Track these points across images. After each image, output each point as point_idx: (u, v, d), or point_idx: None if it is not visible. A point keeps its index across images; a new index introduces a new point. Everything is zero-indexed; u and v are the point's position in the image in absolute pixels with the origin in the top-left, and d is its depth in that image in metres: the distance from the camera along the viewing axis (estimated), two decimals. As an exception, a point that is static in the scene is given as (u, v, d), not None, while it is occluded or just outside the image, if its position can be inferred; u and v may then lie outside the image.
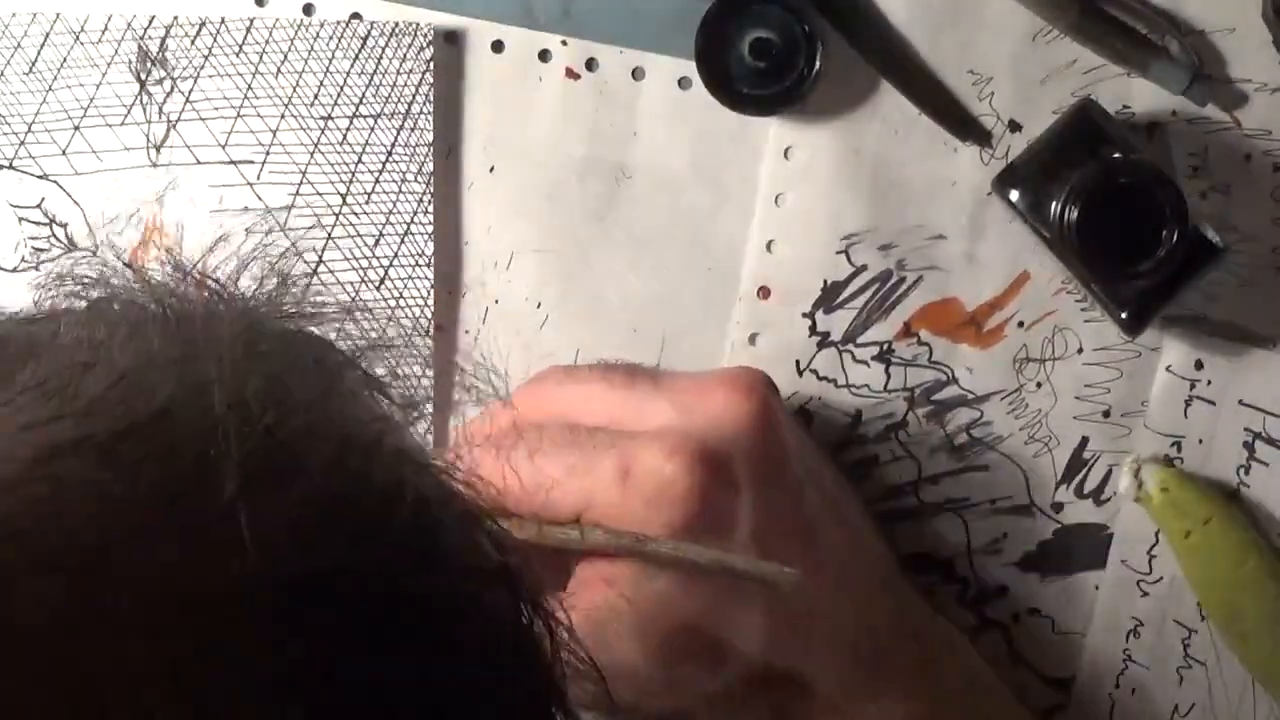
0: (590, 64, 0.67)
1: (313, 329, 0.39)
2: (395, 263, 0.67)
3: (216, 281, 0.39)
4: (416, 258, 0.67)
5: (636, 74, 0.67)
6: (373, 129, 0.66)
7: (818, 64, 0.66)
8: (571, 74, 0.67)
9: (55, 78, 0.66)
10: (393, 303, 0.67)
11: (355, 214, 0.67)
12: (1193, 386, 0.67)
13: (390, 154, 0.66)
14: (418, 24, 0.66)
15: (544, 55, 0.67)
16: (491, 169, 0.67)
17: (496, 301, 0.67)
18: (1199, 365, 0.67)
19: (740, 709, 0.60)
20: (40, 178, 0.66)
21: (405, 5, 0.66)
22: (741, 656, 0.58)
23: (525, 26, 0.67)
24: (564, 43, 0.67)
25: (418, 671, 0.34)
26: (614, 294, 0.67)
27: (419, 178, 0.66)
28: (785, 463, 0.60)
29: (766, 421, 0.60)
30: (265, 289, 0.39)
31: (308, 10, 0.66)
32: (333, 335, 0.40)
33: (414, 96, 0.66)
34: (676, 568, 0.57)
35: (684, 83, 0.67)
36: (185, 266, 0.39)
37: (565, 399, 0.61)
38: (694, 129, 0.67)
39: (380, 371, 0.40)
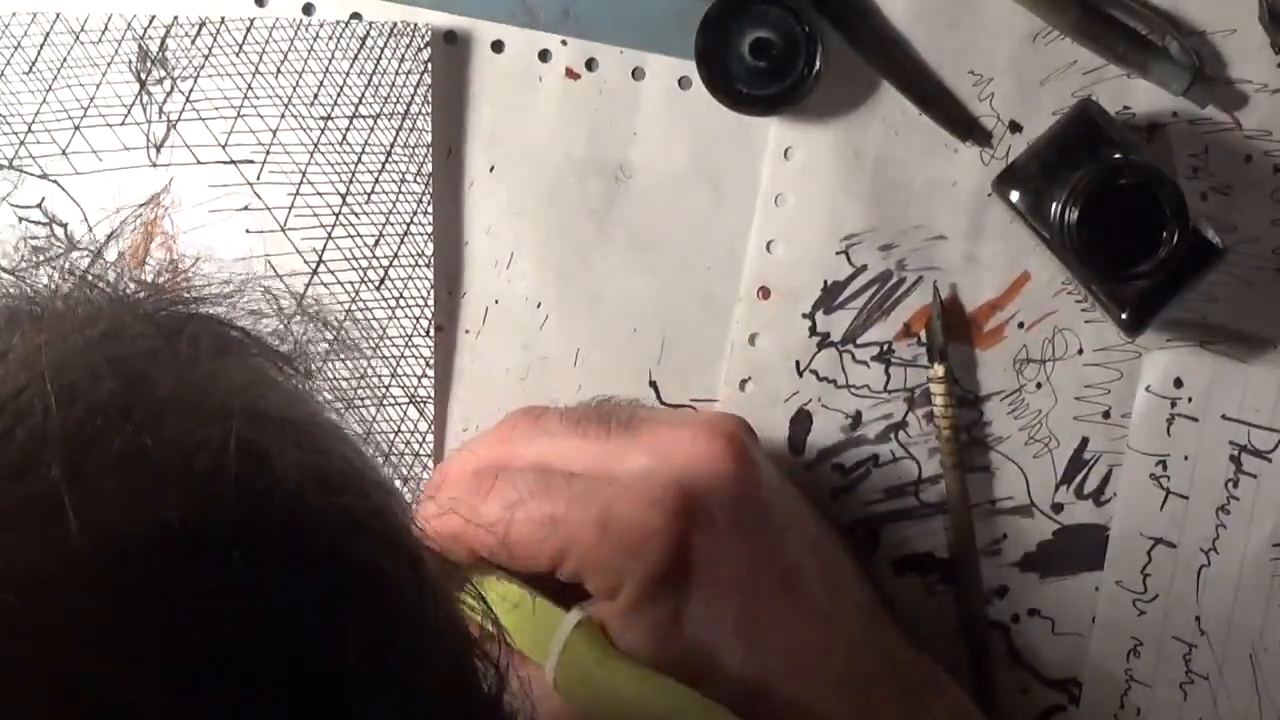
0: (590, 64, 0.67)
1: (207, 310, 0.39)
2: (395, 263, 0.67)
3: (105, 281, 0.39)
4: (416, 258, 0.67)
5: (636, 74, 0.67)
6: (372, 129, 0.66)
7: (818, 64, 0.66)
8: (571, 74, 0.67)
9: (55, 77, 0.66)
10: (393, 303, 0.67)
11: (355, 214, 0.67)
12: (1174, 405, 0.67)
13: (390, 154, 0.66)
14: (415, 24, 0.66)
15: (544, 55, 0.67)
16: (491, 169, 0.67)
17: (496, 301, 0.67)
18: (1178, 383, 0.67)
19: None
20: (40, 177, 0.66)
21: (405, 5, 0.66)
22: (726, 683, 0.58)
23: (525, 26, 0.67)
24: (564, 43, 0.67)
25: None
26: (614, 294, 0.67)
27: (418, 178, 0.66)
28: (766, 509, 0.60)
29: (746, 468, 0.59)
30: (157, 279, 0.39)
31: (308, 10, 0.66)
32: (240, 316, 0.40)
33: (413, 97, 0.66)
34: None
35: (684, 83, 0.67)
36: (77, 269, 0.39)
37: (537, 450, 0.61)
38: (694, 129, 0.67)
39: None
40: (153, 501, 0.33)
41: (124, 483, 0.33)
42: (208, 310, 0.39)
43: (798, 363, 0.68)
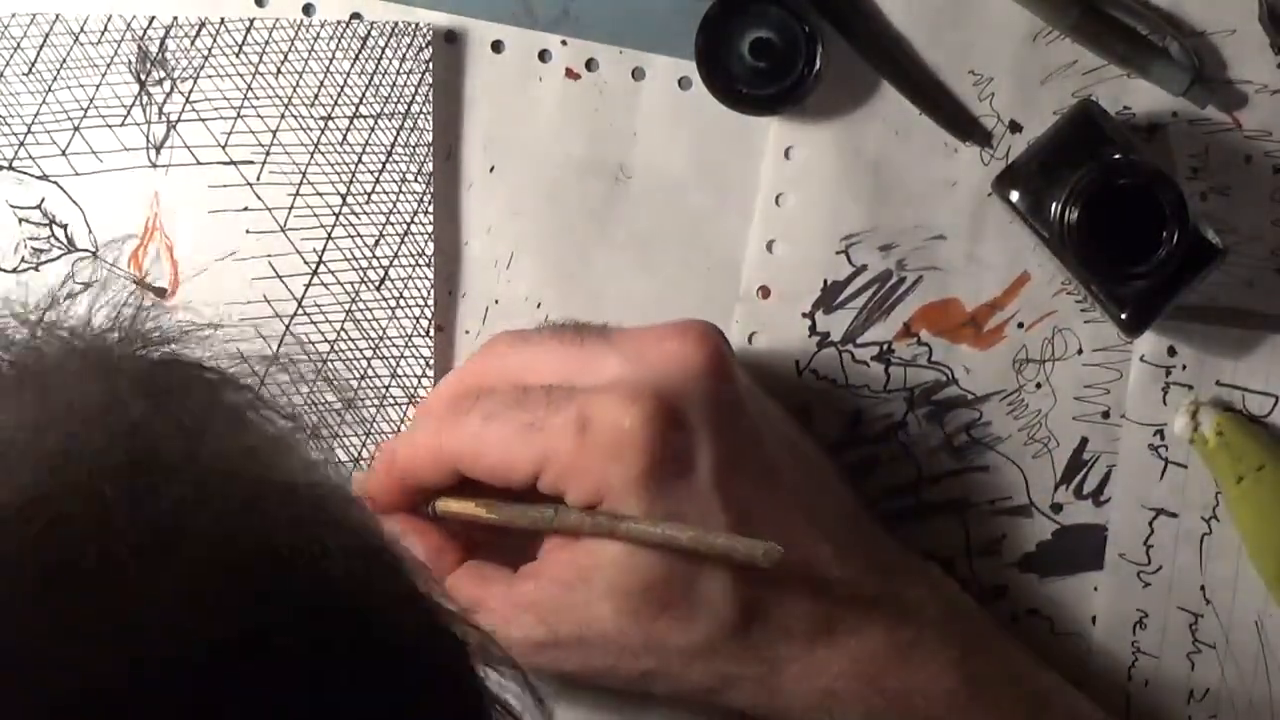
0: (590, 64, 0.67)
1: (181, 353, 0.38)
2: (395, 263, 0.67)
3: (68, 329, 0.37)
4: (416, 258, 0.67)
5: (636, 74, 0.67)
6: (373, 129, 0.66)
7: (818, 64, 0.66)
8: (571, 74, 0.67)
9: (55, 78, 0.66)
10: (393, 303, 0.67)
11: (355, 214, 0.67)
12: (1168, 373, 0.67)
13: (390, 154, 0.66)
14: (417, 24, 0.66)
15: (544, 55, 0.67)
16: (491, 169, 0.67)
17: (496, 301, 0.67)
18: (1171, 351, 0.67)
19: (720, 660, 0.60)
20: (40, 178, 0.66)
21: (405, 5, 0.66)
22: (716, 605, 0.59)
23: (525, 26, 0.67)
24: (564, 43, 0.67)
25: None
26: (614, 294, 0.67)
27: (419, 178, 0.66)
28: (741, 406, 0.60)
29: (720, 366, 0.60)
30: (120, 322, 0.38)
31: (308, 10, 0.66)
32: (207, 354, 0.38)
33: (414, 97, 0.66)
34: (640, 543, 0.57)
35: (684, 83, 0.67)
36: (32, 317, 0.37)
37: (517, 362, 0.61)
38: (694, 129, 0.67)
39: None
40: (221, 610, 0.33)
41: (194, 596, 0.33)
42: (186, 353, 0.38)
43: (797, 362, 0.68)
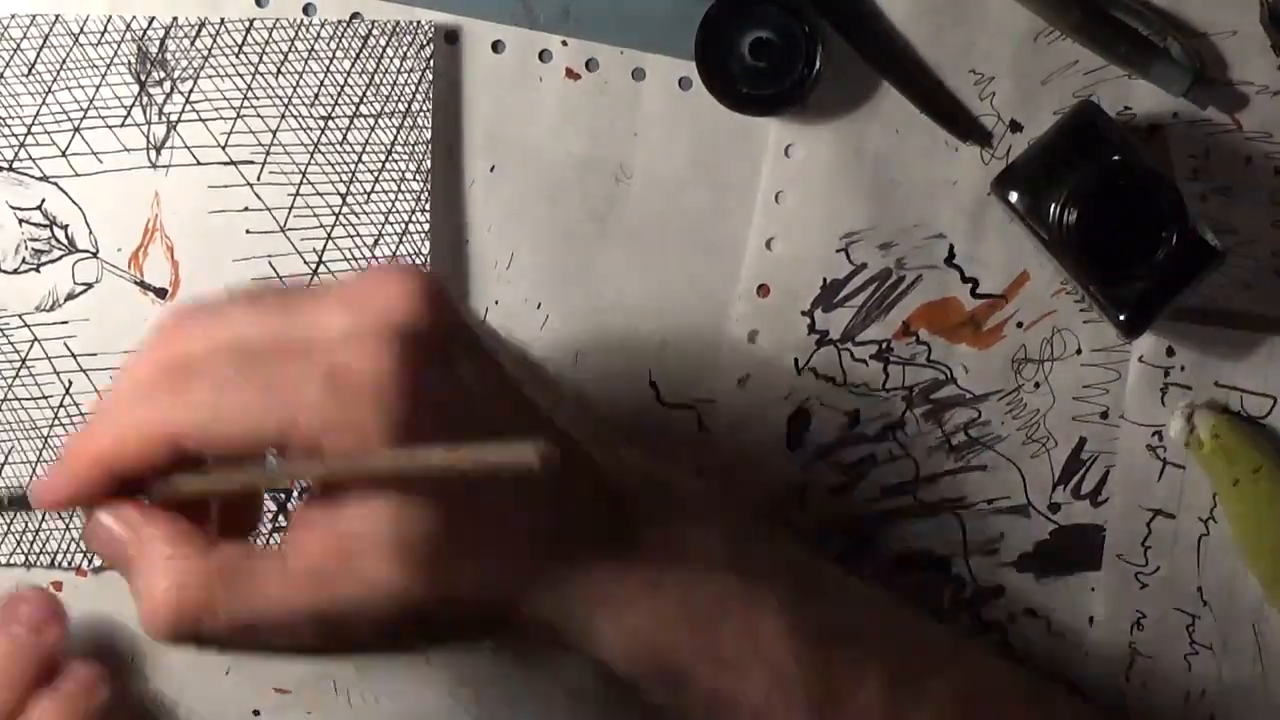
0: (590, 64, 0.67)
1: None
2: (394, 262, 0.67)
3: None
4: (414, 257, 0.67)
5: (636, 74, 0.67)
6: (373, 128, 0.66)
7: (818, 64, 0.66)
8: (571, 74, 0.67)
9: (55, 79, 0.66)
10: (393, 303, 0.67)
11: (355, 214, 0.67)
12: (1167, 374, 0.67)
13: (390, 153, 0.66)
14: (418, 21, 0.66)
15: (544, 55, 0.67)
16: (492, 169, 0.67)
17: (496, 301, 0.67)
18: (1170, 352, 0.67)
19: (525, 597, 0.56)
20: (40, 179, 0.66)
21: (405, 5, 0.66)
22: (508, 536, 0.55)
23: (525, 26, 0.67)
24: (564, 43, 0.67)
25: None
26: (614, 294, 0.67)
27: (418, 176, 0.67)
28: (473, 331, 0.57)
29: (444, 299, 0.56)
30: None
31: (308, 10, 0.66)
32: None
33: (414, 94, 0.66)
34: (407, 477, 0.53)
35: (684, 83, 0.67)
36: None
37: (228, 331, 0.55)
38: (694, 129, 0.67)
39: None
40: None
41: None
42: None
43: (796, 360, 0.68)
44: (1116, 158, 0.63)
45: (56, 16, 0.66)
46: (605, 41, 0.67)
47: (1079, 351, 0.67)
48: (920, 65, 0.67)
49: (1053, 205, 0.63)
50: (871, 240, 0.67)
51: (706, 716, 0.59)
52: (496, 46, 0.67)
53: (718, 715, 0.58)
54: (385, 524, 0.53)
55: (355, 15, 0.66)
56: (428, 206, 0.67)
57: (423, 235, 0.67)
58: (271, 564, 0.54)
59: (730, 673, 0.58)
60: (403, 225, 0.67)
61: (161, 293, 0.67)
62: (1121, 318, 0.64)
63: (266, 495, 0.65)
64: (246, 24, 0.66)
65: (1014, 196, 0.64)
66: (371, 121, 0.66)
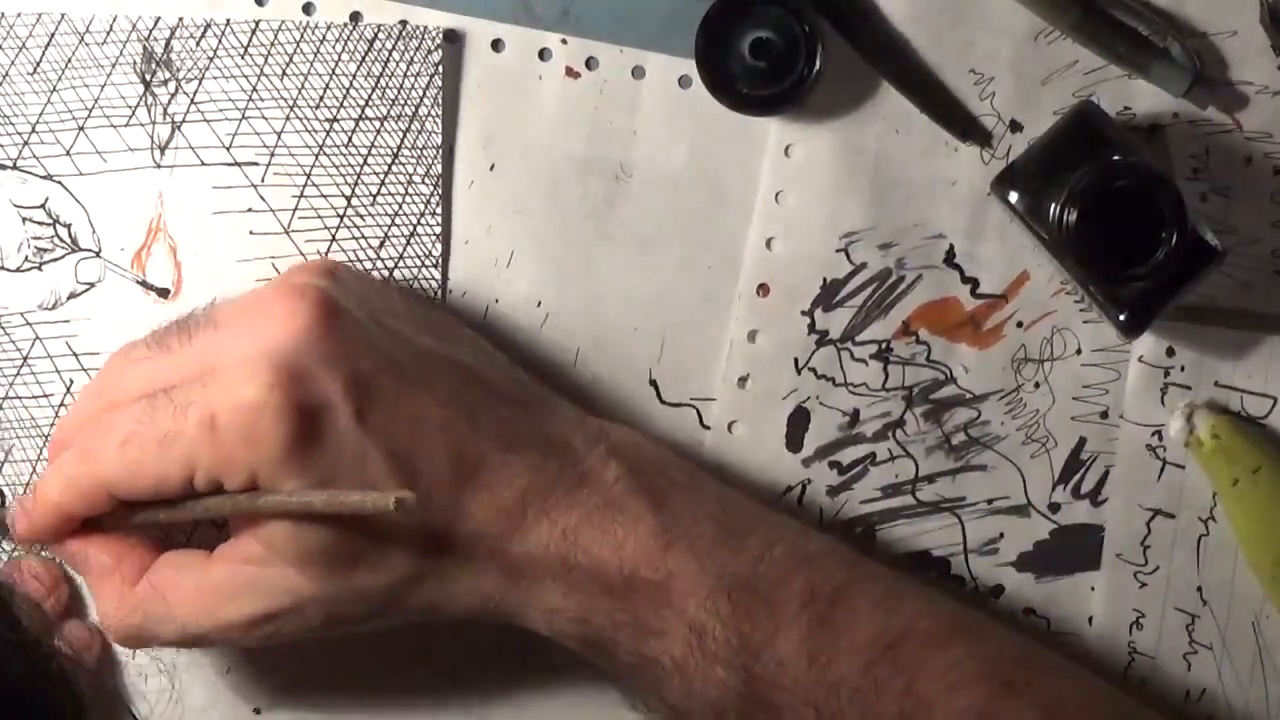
0: (590, 63, 0.67)
1: None
2: (400, 264, 0.67)
3: None
4: (423, 259, 0.67)
5: (636, 73, 0.67)
6: (379, 131, 0.67)
7: (818, 64, 0.66)
8: (571, 73, 0.67)
9: (60, 78, 0.66)
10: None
11: (360, 216, 0.67)
12: (1167, 374, 0.67)
13: (396, 156, 0.67)
14: (425, 26, 0.66)
15: (544, 54, 0.67)
16: (491, 168, 0.67)
17: (496, 301, 0.68)
18: (1170, 352, 0.67)
19: (429, 584, 0.61)
20: (44, 178, 0.67)
21: (405, 5, 0.67)
22: (402, 541, 0.59)
23: (525, 26, 0.67)
24: (564, 42, 0.67)
25: None
26: (614, 294, 0.68)
27: (426, 179, 0.67)
28: (365, 340, 0.59)
29: (329, 309, 0.59)
30: None
31: (307, 10, 0.67)
32: None
33: (421, 99, 0.67)
34: (293, 515, 0.58)
35: (684, 82, 0.67)
36: None
37: (135, 377, 0.61)
38: (694, 129, 0.67)
39: None
40: None
41: None
42: None
43: (796, 360, 0.68)
44: (1116, 158, 0.63)
45: (62, 15, 0.66)
46: (605, 40, 0.67)
47: (1079, 351, 0.67)
48: (920, 65, 0.67)
49: (1053, 205, 0.63)
50: (871, 240, 0.67)
51: (632, 675, 0.62)
52: (496, 45, 0.67)
53: (643, 673, 0.62)
54: (290, 541, 0.59)
55: (355, 15, 0.67)
56: (438, 210, 0.67)
57: (433, 238, 0.67)
58: (192, 575, 0.61)
59: (650, 635, 0.61)
60: (410, 228, 0.67)
61: (164, 293, 0.67)
62: (1121, 318, 0.64)
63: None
64: (252, 25, 0.66)
65: (1014, 196, 0.64)
66: (377, 124, 0.67)
